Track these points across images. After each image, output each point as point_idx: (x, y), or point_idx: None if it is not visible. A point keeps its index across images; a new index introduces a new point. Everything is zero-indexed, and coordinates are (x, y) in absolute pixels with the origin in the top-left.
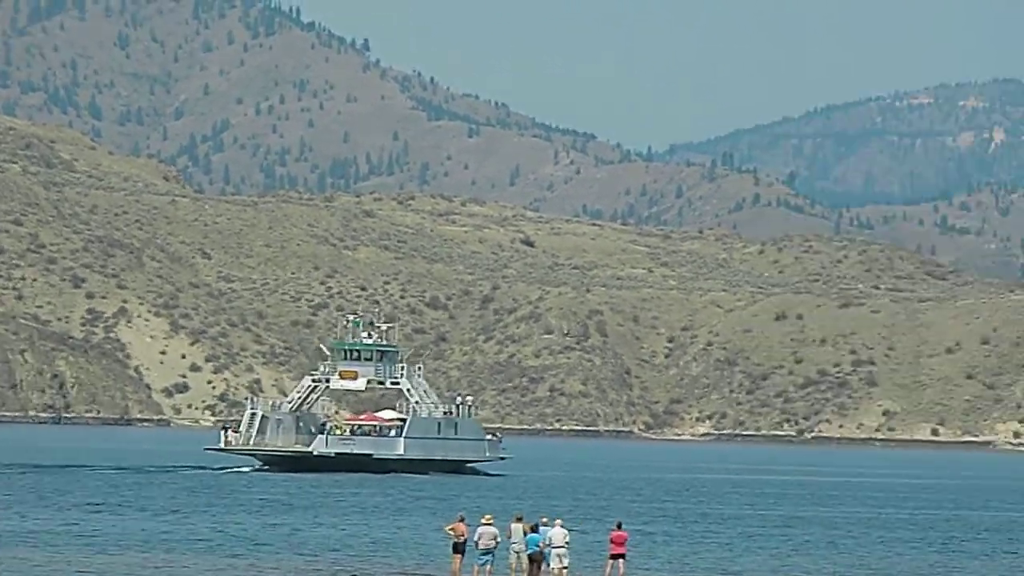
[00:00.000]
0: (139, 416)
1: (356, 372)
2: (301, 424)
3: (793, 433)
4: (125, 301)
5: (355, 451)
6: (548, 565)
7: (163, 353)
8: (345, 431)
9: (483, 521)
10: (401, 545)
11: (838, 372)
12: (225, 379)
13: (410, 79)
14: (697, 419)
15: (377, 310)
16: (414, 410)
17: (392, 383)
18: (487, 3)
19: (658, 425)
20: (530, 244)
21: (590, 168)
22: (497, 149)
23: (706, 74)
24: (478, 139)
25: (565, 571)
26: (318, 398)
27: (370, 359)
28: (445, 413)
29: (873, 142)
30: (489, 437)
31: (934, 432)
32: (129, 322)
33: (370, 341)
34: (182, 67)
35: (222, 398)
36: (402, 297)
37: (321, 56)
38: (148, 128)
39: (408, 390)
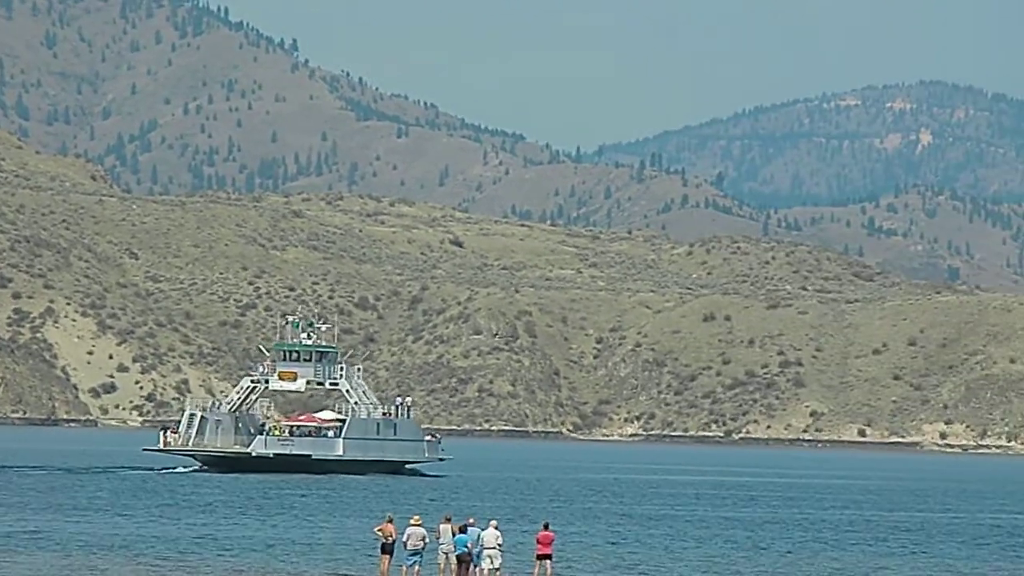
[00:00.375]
0: (66, 416)
1: (295, 373)
2: (240, 425)
3: (721, 434)
4: (52, 301)
5: (294, 452)
6: (476, 566)
7: (90, 353)
8: (284, 432)
9: (411, 522)
10: (330, 546)
11: (766, 373)
12: (152, 379)
13: (339, 79)
14: (625, 420)
15: (316, 311)
16: (353, 411)
17: (331, 384)
18: (416, 4)
19: (587, 426)
20: (459, 245)
21: (519, 169)
22: (426, 150)
23: (635, 75)
24: (407, 139)
25: (496, 572)
26: (257, 399)
27: (309, 360)
28: (384, 414)
29: (801, 144)
30: (428, 438)
31: (861, 433)
32: (56, 322)
33: (309, 342)
34: (109, 67)
35: (149, 398)
36: (331, 297)
37: (249, 56)
38: (75, 127)
39: (347, 391)
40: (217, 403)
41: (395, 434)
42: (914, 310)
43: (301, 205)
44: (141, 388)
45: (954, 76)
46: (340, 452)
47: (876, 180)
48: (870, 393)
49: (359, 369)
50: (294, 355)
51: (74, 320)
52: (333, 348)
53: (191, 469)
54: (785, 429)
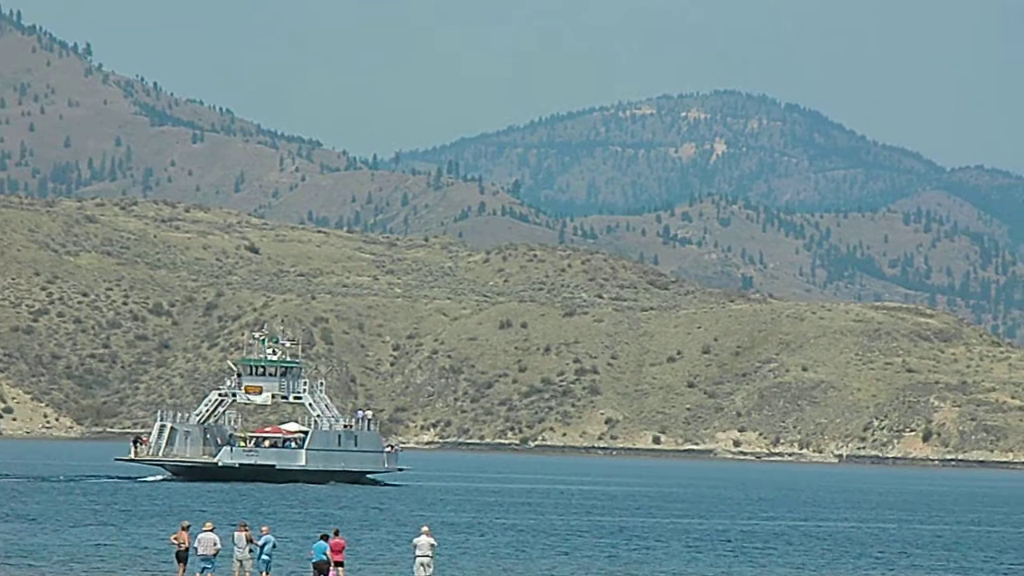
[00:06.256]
0: None
1: (261, 387)
2: (208, 436)
3: (517, 441)
4: None
5: (259, 462)
6: (264, 572)
7: None
8: (250, 443)
9: (204, 528)
10: (144, 554)
11: (562, 380)
12: None
13: (133, 84)
14: (422, 427)
15: (281, 329)
16: (316, 423)
17: (295, 398)
18: (213, 8)
19: (383, 433)
20: (255, 251)
21: (316, 175)
22: (222, 155)
23: (431, 82)
24: (202, 145)
25: None
26: (224, 411)
27: (274, 375)
28: (345, 426)
29: (596, 152)
30: (387, 449)
31: (656, 440)
32: None
33: (274, 357)
34: None
35: None
36: (125, 303)
37: (42, 60)
38: None
39: (310, 404)
40: (186, 415)
41: (356, 445)
42: (708, 318)
43: (95, 210)
44: None
45: (747, 86)
46: (303, 462)
47: (671, 189)
48: (665, 401)
49: (322, 384)
50: (260, 370)
51: None
52: (297, 363)
53: (160, 478)
54: (581, 436)
